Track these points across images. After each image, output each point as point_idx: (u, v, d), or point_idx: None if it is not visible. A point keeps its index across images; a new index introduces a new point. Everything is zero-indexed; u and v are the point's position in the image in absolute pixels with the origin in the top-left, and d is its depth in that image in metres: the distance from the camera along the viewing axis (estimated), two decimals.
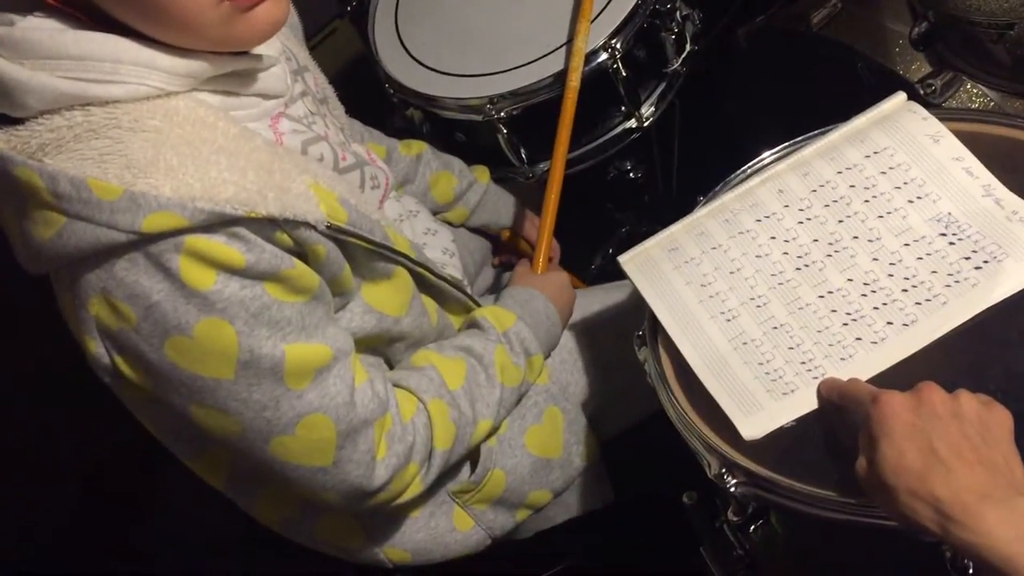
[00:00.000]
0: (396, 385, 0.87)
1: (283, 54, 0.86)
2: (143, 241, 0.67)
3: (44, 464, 1.49)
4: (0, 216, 0.73)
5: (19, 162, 0.66)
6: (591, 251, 1.60)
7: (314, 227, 0.74)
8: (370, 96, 1.27)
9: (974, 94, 1.11)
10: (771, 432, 0.76)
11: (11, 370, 1.37)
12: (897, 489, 0.61)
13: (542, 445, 1.00)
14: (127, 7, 0.67)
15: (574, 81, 1.13)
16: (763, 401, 0.78)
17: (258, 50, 0.78)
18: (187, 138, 0.69)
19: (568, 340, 1.09)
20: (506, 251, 1.30)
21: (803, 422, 0.76)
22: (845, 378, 0.75)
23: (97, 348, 0.72)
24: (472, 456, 0.96)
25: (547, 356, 1.02)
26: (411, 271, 0.89)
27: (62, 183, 0.65)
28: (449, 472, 0.93)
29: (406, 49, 1.30)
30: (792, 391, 0.77)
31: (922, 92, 1.06)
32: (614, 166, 1.52)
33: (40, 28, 0.67)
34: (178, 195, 0.66)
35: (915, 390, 0.65)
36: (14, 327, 0.83)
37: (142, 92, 0.69)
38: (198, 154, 0.69)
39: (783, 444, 0.76)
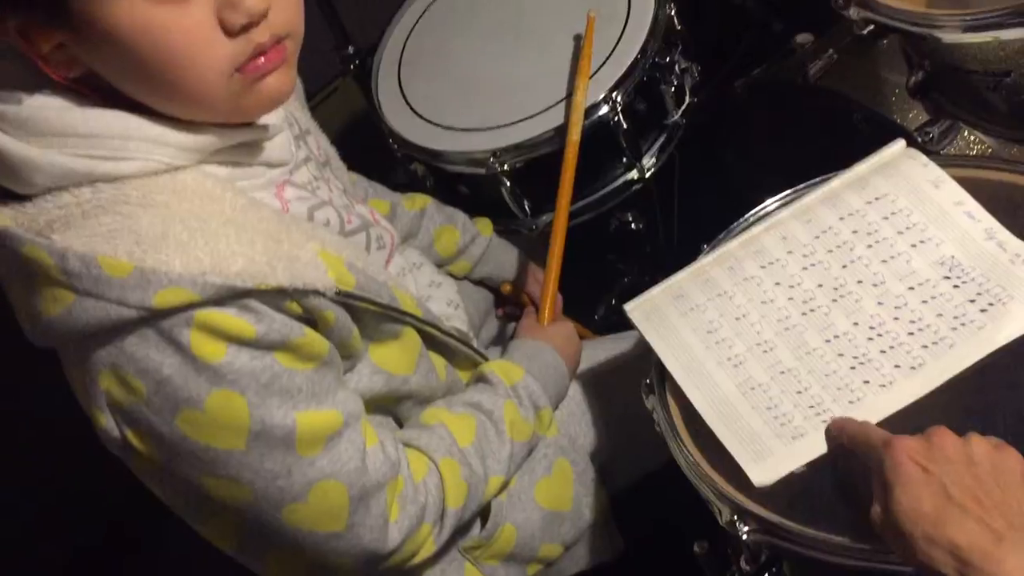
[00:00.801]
0: (407, 445, 0.87)
1: (285, 120, 0.86)
2: (154, 317, 0.66)
3: (53, 511, 1.48)
4: (7, 291, 0.73)
5: (27, 240, 0.66)
6: (594, 302, 1.60)
7: (323, 294, 0.74)
8: (372, 152, 1.29)
9: (972, 141, 1.13)
10: (782, 478, 0.76)
11: (22, 413, 1.37)
12: (914, 536, 0.60)
13: (552, 498, 0.99)
14: (139, 84, 0.68)
15: (574, 135, 1.14)
16: (772, 446, 0.77)
17: (263, 120, 0.78)
18: (196, 211, 0.69)
19: (576, 391, 1.08)
20: (508, 303, 1.30)
21: (814, 467, 0.76)
22: None
23: (107, 422, 0.72)
24: (482, 511, 0.95)
25: (555, 408, 1.02)
26: (418, 330, 0.89)
27: (71, 260, 0.65)
28: (459, 528, 0.92)
29: (409, 105, 1.31)
30: (801, 435, 0.77)
31: (920, 140, 1.07)
32: (616, 217, 1.53)
33: (48, 106, 0.68)
34: (188, 270, 0.66)
35: (926, 435, 0.65)
36: (24, 372, 0.84)
37: (150, 168, 0.70)
38: (207, 227, 0.69)
39: (794, 490, 0.75)
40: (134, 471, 0.79)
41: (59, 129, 0.67)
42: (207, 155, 0.73)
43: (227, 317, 0.68)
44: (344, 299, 0.76)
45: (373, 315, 0.81)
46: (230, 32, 0.67)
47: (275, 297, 0.71)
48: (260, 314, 0.70)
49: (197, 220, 0.69)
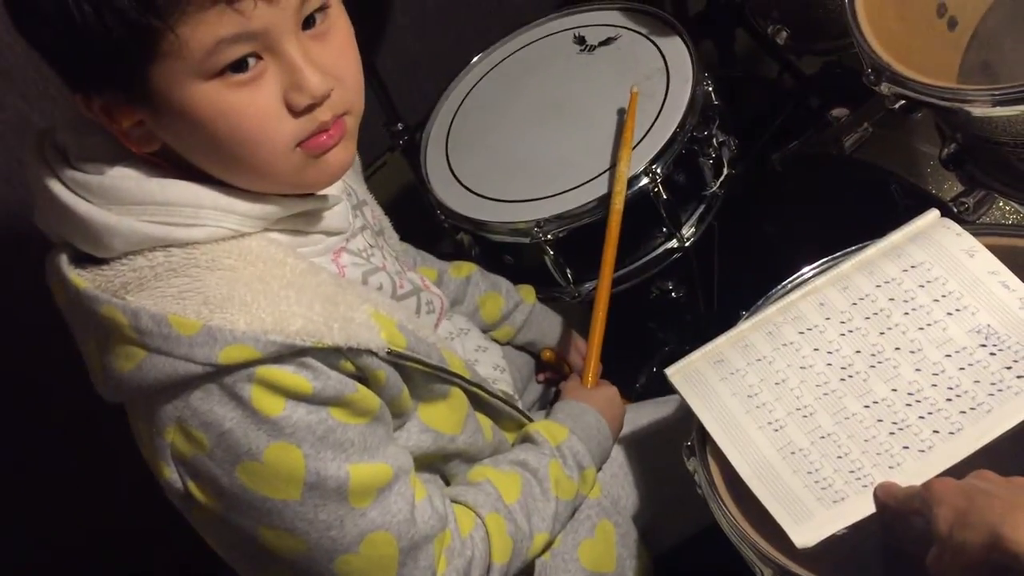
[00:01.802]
0: (454, 501, 0.89)
1: (344, 191, 0.91)
2: (218, 372, 0.70)
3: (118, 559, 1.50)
4: (81, 349, 0.78)
5: (104, 300, 0.71)
6: (635, 370, 1.62)
7: (376, 354, 0.77)
8: (418, 223, 1.33)
9: (1007, 211, 1.14)
10: (824, 540, 0.77)
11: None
12: (952, 537, 0.62)
13: (595, 560, 1.01)
14: (211, 158, 0.73)
15: (618, 204, 1.18)
16: (813, 509, 0.78)
17: (323, 191, 0.83)
18: (259, 275, 0.74)
19: (618, 454, 1.10)
20: (548, 369, 1.33)
21: (858, 529, 0.77)
22: None
23: (171, 474, 0.75)
24: (526, 571, 0.97)
25: (599, 469, 1.04)
26: (466, 391, 0.92)
27: (144, 319, 0.69)
28: None
29: (456, 178, 1.37)
30: (842, 499, 0.78)
31: (955, 210, 1.09)
32: (656, 286, 1.55)
33: (128, 176, 0.73)
34: (251, 328, 0.70)
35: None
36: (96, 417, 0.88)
37: (219, 234, 0.74)
38: (269, 290, 0.73)
39: (839, 552, 0.76)
40: (193, 524, 0.82)
41: (138, 198, 0.72)
42: (271, 223, 0.78)
43: (286, 374, 0.72)
44: (395, 359, 0.80)
45: (422, 375, 0.84)
46: (294, 112, 0.72)
47: (330, 356, 0.74)
48: (317, 371, 0.73)
49: (260, 283, 0.73)
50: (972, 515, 0.61)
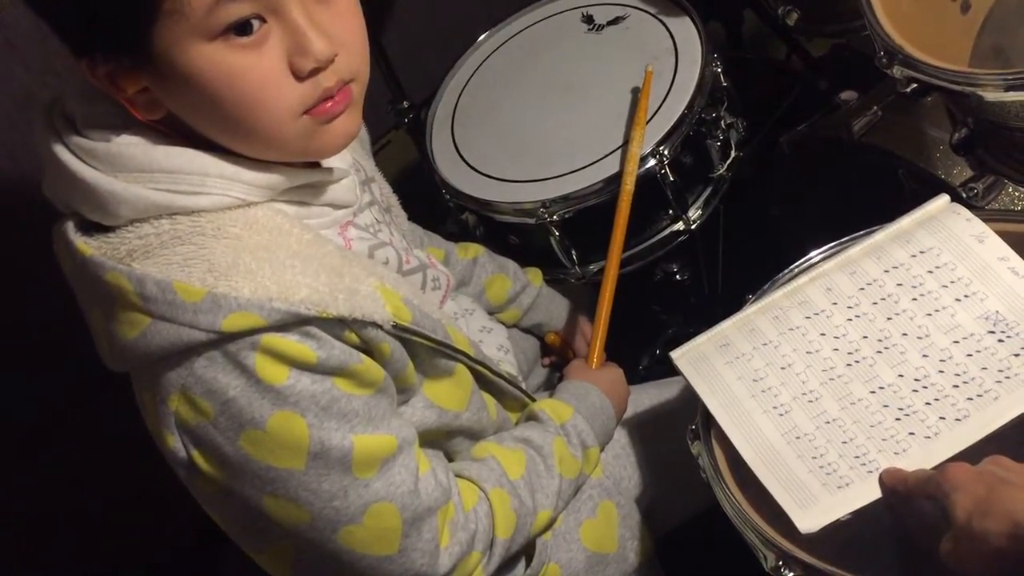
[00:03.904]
0: (458, 475, 0.89)
1: (352, 166, 0.91)
2: (222, 340, 0.70)
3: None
4: (87, 317, 0.78)
5: (110, 267, 0.71)
6: (638, 352, 1.62)
7: (380, 326, 0.77)
8: (422, 203, 1.32)
9: (1016, 197, 1.13)
10: (828, 525, 0.77)
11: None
12: (971, 526, 0.61)
13: (597, 540, 1.01)
14: (216, 125, 0.73)
15: (628, 184, 1.17)
16: (818, 494, 0.78)
17: (330, 163, 0.83)
18: (265, 244, 0.74)
19: (621, 435, 1.10)
20: (553, 353, 1.33)
21: (861, 515, 0.76)
22: None
23: (175, 443, 0.75)
24: (527, 550, 0.97)
25: (602, 449, 1.04)
26: (470, 368, 0.92)
27: (149, 286, 0.69)
28: (504, 566, 0.94)
29: (462, 157, 1.36)
30: (847, 485, 0.78)
31: (965, 196, 1.08)
32: (660, 268, 1.55)
33: (133, 144, 0.73)
34: (256, 296, 0.70)
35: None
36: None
37: (225, 203, 0.74)
38: (275, 258, 0.73)
39: (842, 537, 0.76)
40: (196, 495, 0.82)
41: (144, 165, 0.72)
42: (277, 193, 0.78)
43: (290, 343, 0.72)
44: (400, 332, 0.80)
45: (427, 350, 0.84)
46: (299, 76, 0.71)
47: (335, 326, 0.74)
48: (321, 340, 0.73)
49: (266, 251, 0.73)
50: (992, 503, 0.61)
